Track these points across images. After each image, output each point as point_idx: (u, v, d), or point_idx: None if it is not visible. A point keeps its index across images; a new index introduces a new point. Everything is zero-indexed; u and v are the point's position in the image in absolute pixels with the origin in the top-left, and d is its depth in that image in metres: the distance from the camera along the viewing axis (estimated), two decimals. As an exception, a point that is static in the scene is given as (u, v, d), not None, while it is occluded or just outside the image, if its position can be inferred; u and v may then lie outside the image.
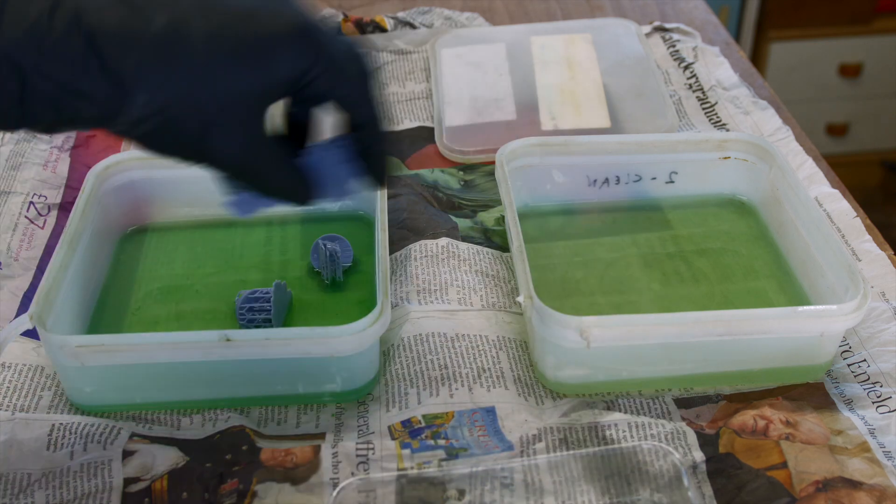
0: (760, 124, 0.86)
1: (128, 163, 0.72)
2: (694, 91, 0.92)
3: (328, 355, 0.57)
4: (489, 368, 0.62)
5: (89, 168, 0.72)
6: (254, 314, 0.64)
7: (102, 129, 0.46)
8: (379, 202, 0.68)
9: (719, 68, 0.94)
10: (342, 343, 0.57)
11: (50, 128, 0.46)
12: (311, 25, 0.47)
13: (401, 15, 1.04)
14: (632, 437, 0.57)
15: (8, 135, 0.84)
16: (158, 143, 0.46)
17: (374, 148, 0.52)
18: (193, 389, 0.60)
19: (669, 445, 0.56)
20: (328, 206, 0.75)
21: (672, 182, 0.76)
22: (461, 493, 0.54)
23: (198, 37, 0.44)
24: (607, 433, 0.57)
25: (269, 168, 0.50)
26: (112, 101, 0.44)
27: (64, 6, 0.43)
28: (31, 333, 0.61)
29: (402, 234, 0.72)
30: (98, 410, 0.60)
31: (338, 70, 0.48)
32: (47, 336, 0.57)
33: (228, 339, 0.56)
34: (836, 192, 0.77)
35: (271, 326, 0.64)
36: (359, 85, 0.49)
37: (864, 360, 0.63)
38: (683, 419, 0.59)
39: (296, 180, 0.51)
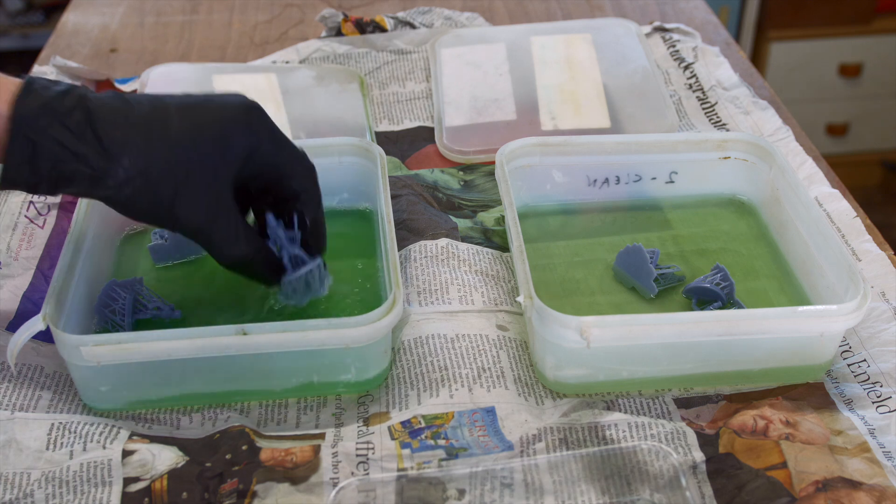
0: (760, 124, 0.86)
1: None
2: (694, 91, 0.91)
3: (344, 346, 0.58)
4: (489, 368, 0.62)
5: (89, 168, 0.72)
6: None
7: (95, 195, 0.57)
8: (382, 194, 0.68)
9: (719, 68, 0.94)
10: (358, 333, 0.57)
11: (53, 187, 0.56)
12: (256, 109, 0.60)
13: (401, 15, 1.04)
14: (632, 437, 0.57)
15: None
16: (138, 205, 0.57)
17: (310, 215, 0.63)
18: (209, 385, 0.60)
19: (669, 445, 0.56)
20: (329, 202, 0.75)
21: (672, 182, 0.75)
22: (461, 493, 0.53)
23: (173, 116, 0.57)
24: (607, 433, 0.57)
25: (229, 231, 0.59)
26: (102, 162, 0.55)
27: (74, 91, 0.56)
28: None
29: (402, 235, 0.72)
30: (114, 410, 0.60)
31: (278, 142, 0.61)
32: (62, 336, 0.56)
33: (245, 333, 0.56)
34: (836, 192, 0.77)
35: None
36: (295, 156, 0.62)
37: (864, 360, 0.63)
38: (683, 419, 0.59)
39: (256, 247, 0.61)
